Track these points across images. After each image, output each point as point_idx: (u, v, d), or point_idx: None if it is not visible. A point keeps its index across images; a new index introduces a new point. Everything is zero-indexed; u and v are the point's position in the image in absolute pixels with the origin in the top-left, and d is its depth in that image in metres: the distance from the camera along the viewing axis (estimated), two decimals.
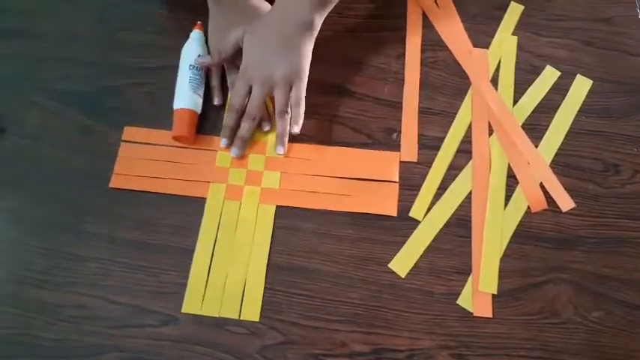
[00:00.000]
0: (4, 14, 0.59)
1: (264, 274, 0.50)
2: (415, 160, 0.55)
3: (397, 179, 0.54)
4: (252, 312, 0.49)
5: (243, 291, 0.50)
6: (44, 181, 0.53)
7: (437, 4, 0.63)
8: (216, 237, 0.51)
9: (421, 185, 0.54)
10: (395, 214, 0.53)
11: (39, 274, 0.49)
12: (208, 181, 0.53)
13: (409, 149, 0.55)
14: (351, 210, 0.53)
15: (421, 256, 0.52)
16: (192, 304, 0.49)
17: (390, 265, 0.51)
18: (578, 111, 0.58)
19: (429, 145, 0.56)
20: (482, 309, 0.50)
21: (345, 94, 0.58)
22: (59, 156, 0.54)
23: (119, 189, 0.53)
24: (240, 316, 0.49)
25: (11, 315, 0.48)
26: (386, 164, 0.55)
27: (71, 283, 0.49)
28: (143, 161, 0.54)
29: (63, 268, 0.49)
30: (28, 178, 0.53)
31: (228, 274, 0.50)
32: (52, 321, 0.48)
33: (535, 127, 0.57)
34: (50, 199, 0.52)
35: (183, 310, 0.49)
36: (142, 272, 0.50)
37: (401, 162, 0.55)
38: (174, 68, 0.57)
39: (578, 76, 0.60)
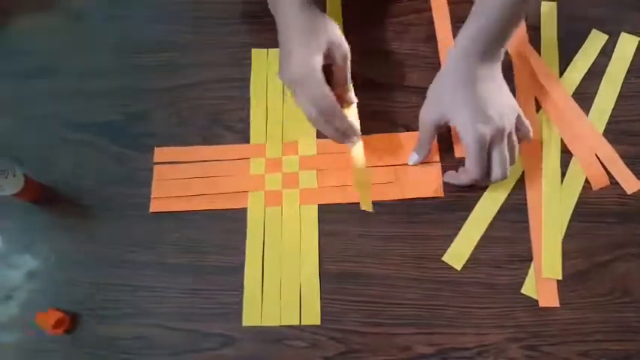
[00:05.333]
0: (22, 54, 0.59)
1: (318, 276, 0.49)
2: None
3: (438, 159, 0.52)
4: (312, 316, 0.48)
5: (300, 296, 0.49)
6: (85, 216, 0.52)
7: None
8: (263, 246, 0.51)
9: None
10: (442, 195, 0.51)
11: (95, 309, 0.49)
12: (246, 191, 0.52)
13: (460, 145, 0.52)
14: (396, 198, 0.51)
15: (477, 247, 0.49)
16: (251, 316, 0.48)
17: (444, 259, 0.49)
18: (627, 72, 0.55)
19: None
20: (548, 299, 0.47)
21: (374, 87, 0.55)
22: (97, 189, 0.53)
23: (160, 213, 0.52)
24: (300, 321, 0.48)
25: (74, 354, 0.48)
26: (427, 168, 0.52)
27: (127, 315, 0.49)
28: (179, 181, 0.53)
29: (117, 301, 0.49)
30: (68, 215, 0.52)
31: (282, 280, 0.49)
32: (113, 355, 0.48)
33: (582, 95, 0.54)
34: (94, 233, 0.52)
35: (244, 323, 0.48)
36: (195, 295, 0.49)
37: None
38: (197, 85, 0.56)
39: (623, 34, 0.56)
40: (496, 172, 0.47)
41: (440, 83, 0.48)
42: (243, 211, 0.52)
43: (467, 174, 0.48)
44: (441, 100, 0.47)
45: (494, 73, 0.47)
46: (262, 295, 0.49)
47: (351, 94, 0.51)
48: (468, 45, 0.46)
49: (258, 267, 0.50)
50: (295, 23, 0.47)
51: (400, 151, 0.52)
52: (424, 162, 0.52)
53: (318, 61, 0.46)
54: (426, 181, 0.52)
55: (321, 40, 0.47)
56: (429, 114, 0.48)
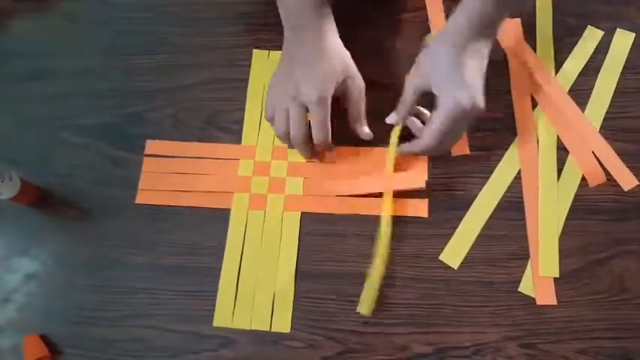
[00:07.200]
0: (19, 56, 0.59)
1: (293, 284, 0.49)
2: (467, 153, 0.52)
3: (426, 177, 0.50)
4: (282, 323, 0.48)
5: (273, 302, 0.49)
6: (82, 218, 0.52)
7: None
8: (242, 248, 0.50)
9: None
10: (426, 216, 0.50)
11: (93, 312, 0.49)
12: (232, 192, 0.52)
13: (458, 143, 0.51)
14: (378, 214, 0.50)
15: (474, 246, 0.49)
16: (222, 318, 0.48)
17: (440, 257, 0.49)
18: (623, 68, 0.54)
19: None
20: (546, 297, 0.47)
21: (369, 85, 0.54)
22: (93, 191, 0.53)
23: (157, 215, 0.52)
24: (271, 327, 0.48)
25: (72, 356, 0.48)
26: (414, 160, 0.51)
27: (125, 317, 0.49)
28: (166, 175, 0.53)
29: (115, 303, 0.49)
30: (66, 217, 0.52)
31: (257, 286, 0.49)
32: (112, 357, 0.48)
33: (578, 92, 0.54)
34: (91, 235, 0.52)
35: (215, 324, 0.48)
36: (192, 297, 0.49)
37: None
38: (194, 87, 0.56)
39: (618, 30, 0.56)
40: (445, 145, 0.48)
41: (432, 53, 0.47)
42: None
43: (423, 142, 0.47)
44: (429, 70, 0.47)
45: (484, 51, 0.47)
46: (236, 298, 0.49)
47: (365, 129, 0.51)
48: (463, 23, 0.45)
49: (234, 269, 0.50)
50: (314, 45, 0.47)
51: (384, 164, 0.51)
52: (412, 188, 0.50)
53: (330, 89, 0.47)
54: (411, 200, 0.51)
55: (338, 69, 0.48)
56: (414, 78, 0.48)
